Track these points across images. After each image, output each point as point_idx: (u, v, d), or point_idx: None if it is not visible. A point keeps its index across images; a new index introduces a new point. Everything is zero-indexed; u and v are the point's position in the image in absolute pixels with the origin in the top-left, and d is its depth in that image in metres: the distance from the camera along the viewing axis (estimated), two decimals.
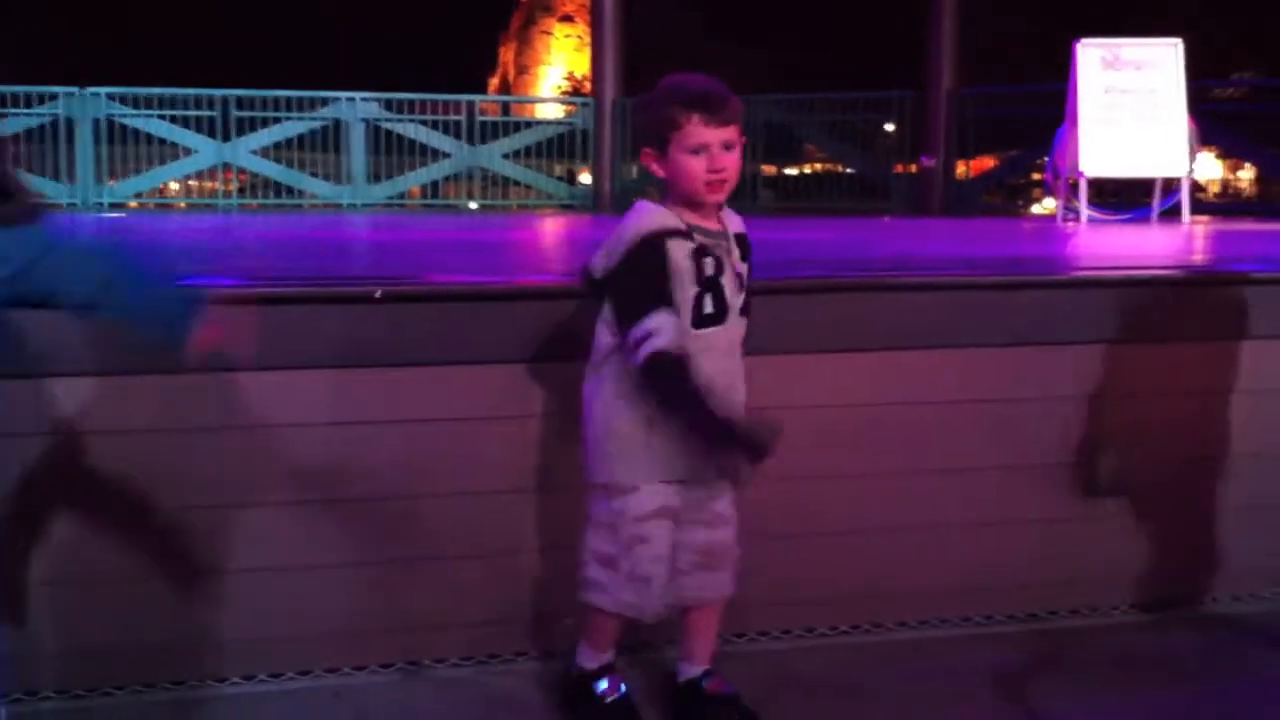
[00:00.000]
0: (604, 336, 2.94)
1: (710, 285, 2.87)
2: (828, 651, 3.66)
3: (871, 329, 3.76)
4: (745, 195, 14.98)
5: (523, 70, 44.50)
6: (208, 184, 15.70)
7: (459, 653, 3.53)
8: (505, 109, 17.82)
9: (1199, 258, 6.41)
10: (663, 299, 2.80)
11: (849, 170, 16.34)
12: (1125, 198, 12.05)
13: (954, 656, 3.63)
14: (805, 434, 3.49)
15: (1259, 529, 4.08)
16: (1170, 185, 10.54)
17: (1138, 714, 3.26)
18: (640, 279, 2.83)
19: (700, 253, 2.86)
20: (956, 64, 14.13)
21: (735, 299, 2.93)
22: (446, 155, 15.43)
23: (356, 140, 14.89)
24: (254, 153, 14.98)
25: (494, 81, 43.16)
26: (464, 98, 15.71)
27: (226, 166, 15.10)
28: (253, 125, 14.84)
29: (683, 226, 2.85)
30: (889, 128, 15.54)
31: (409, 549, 3.48)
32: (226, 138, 14.72)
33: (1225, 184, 18.59)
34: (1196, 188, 13.17)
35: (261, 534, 3.37)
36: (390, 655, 3.49)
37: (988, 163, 16.25)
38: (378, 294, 3.43)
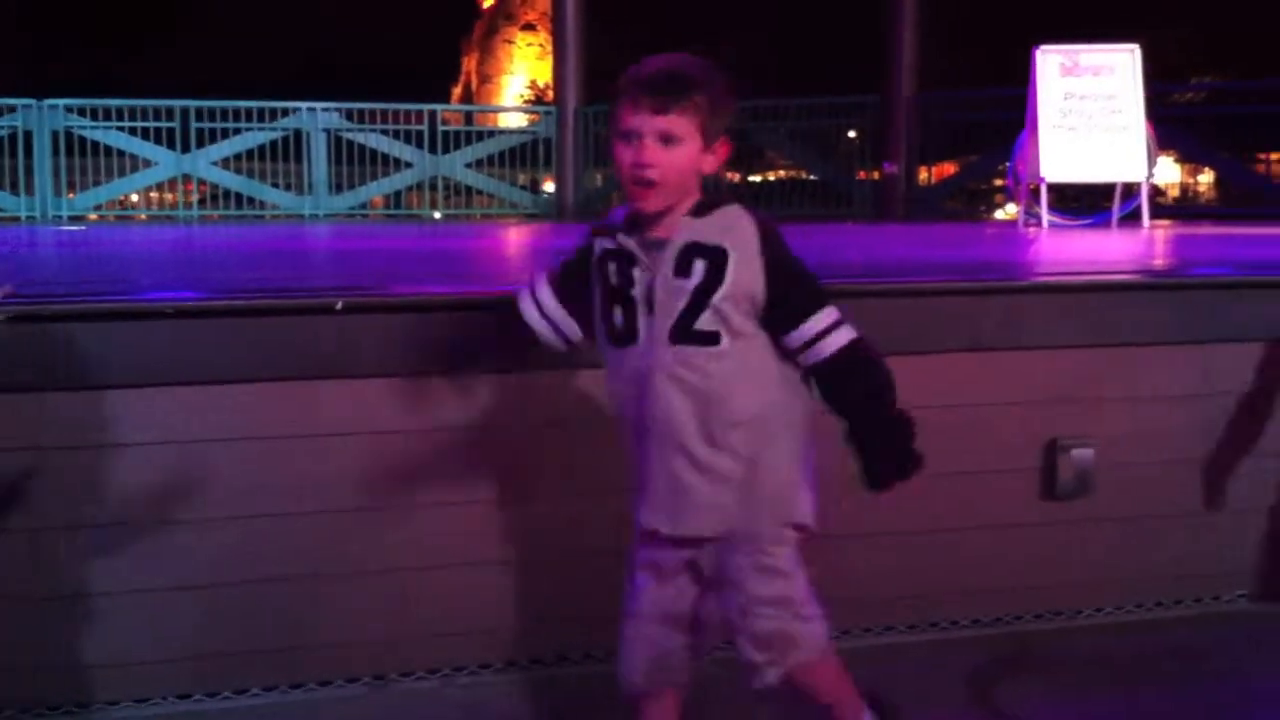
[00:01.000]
0: None
1: (615, 296, 2.45)
2: None
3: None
4: None
5: (485, 79, 44.40)
6: (168, 196, 15.60)
7: (425, 665, 3.51)
8: (468, 118, 17.78)
9: (1159, 262, 6.45)
10: (550, 276, 2.65)
11: (812, 177, 16.38)
12: (1086, 203, 12.12)
13: (924, 661, 3.63)
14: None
15: (1226, 532, 4.10)
16: (1130, 190, 10.61)
17: (1109, 717, 3.27)
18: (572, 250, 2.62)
19: (609, 255, 2.46)
20: (917, 70, 14.19)
21: (656, 320, 2.41)
22: (409, 165, 15.39)
23: (317, 150, 14.82)
24: (214, 164, 14.89)
25: (457, 90, 43.05)
26: (426, 107, 15.66)
27: (186, 178, 15.02)
28: (213, 136, 14.75)
29: (618, 225, 2.47)
30: (851, 134, 15.59)
31: (362, 563, 3.45)
32: (186, 149, 14.62)
33: (1185, 188, 18.72)
34: (1156, 192, 13.26)
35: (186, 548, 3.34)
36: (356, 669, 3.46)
37: (950, 168, 16.31)
38: (339, 305, 3.40)
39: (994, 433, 3.90)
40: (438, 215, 15.62)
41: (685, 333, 2.39)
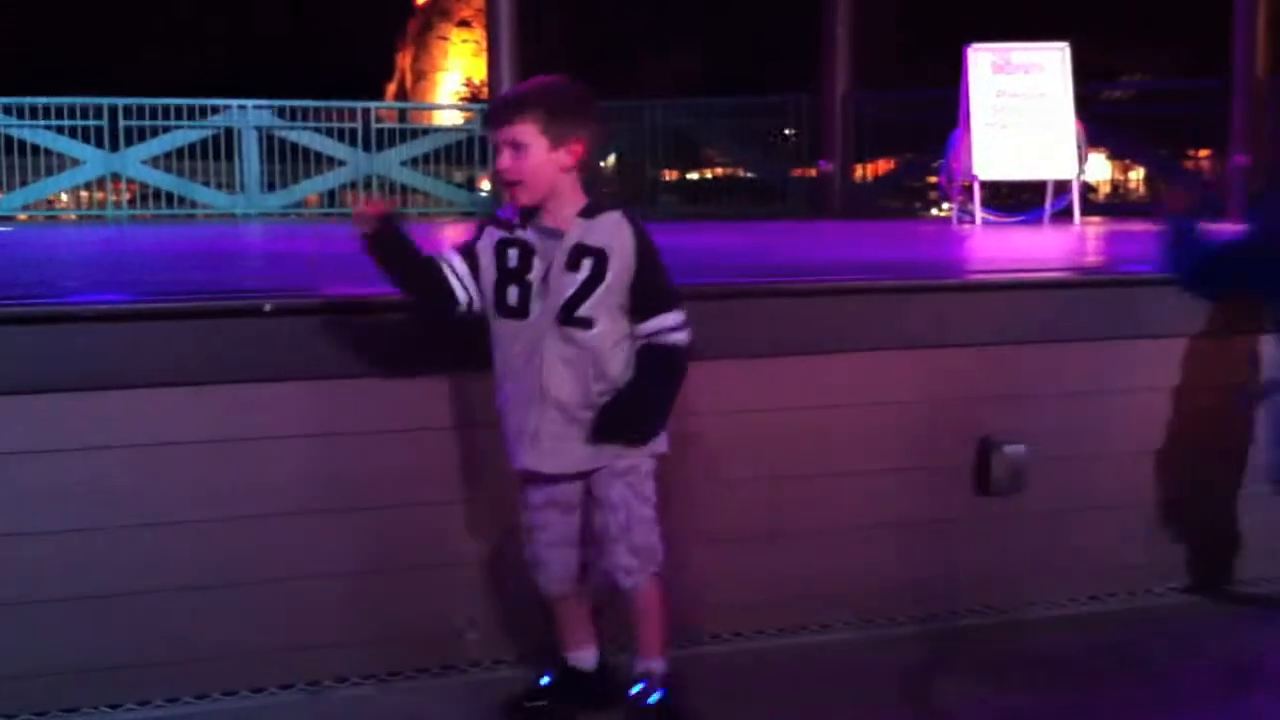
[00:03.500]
0: None
1: (511, 277, 2.99)
2: (732, 657, 3.65)
3: (767, 334, 3.76)
4: (645, 200, 14.99)
5: (420, 76, 44.11)
6: (98, 195, 15.34)
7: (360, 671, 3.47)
8: (402, 115, 17.65)
9: (1088, 259, 6.51)
10: (455, 249, 3.08)
11: (749, 174, 16.40)
12: (1019, 200, 12.23)
13: (861, 657, 3.65)
14: (709, 440, 3.49)
15: (1163, 525, 4.15)
16: (1062, 187, 10.71)
17: (1041, 712, 3.28)
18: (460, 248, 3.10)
19: (505, 244, 3.01)
20: (851, 68, 14.25)
21: (546, 302, 2.95)
22: (342, 163, 15.23)
23: (249, 148, 14.63)
24: (144, 162, 14.66)
25: (391, 88, 42.73)
26: (360, 104, 15.53)
27: (116, 177, 14.78)
28: (142, 134, 14.53)
29: (513, 220, 3.01)
30: (788, 132, 15.64)
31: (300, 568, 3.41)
32: (115, 147, 14.40)
33: (1116, 185, 18.94)
34: (1087, 189, 13.40)
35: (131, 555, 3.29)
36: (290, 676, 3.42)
37: (885, 166, 16.40)
38: (267, 307, 3.37)
39: (926, 430, 3.92)
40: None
41: (569, 316, 2.94)
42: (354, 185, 15.58)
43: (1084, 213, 10.79)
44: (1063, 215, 10.63)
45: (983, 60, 10.54)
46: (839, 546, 3.85)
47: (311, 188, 15.54)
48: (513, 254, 2.99)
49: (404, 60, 44.38)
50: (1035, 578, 4.06)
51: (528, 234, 2.98)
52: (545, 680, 3.26)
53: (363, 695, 3.41)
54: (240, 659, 3.39)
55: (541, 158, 2.92)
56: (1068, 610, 4.05)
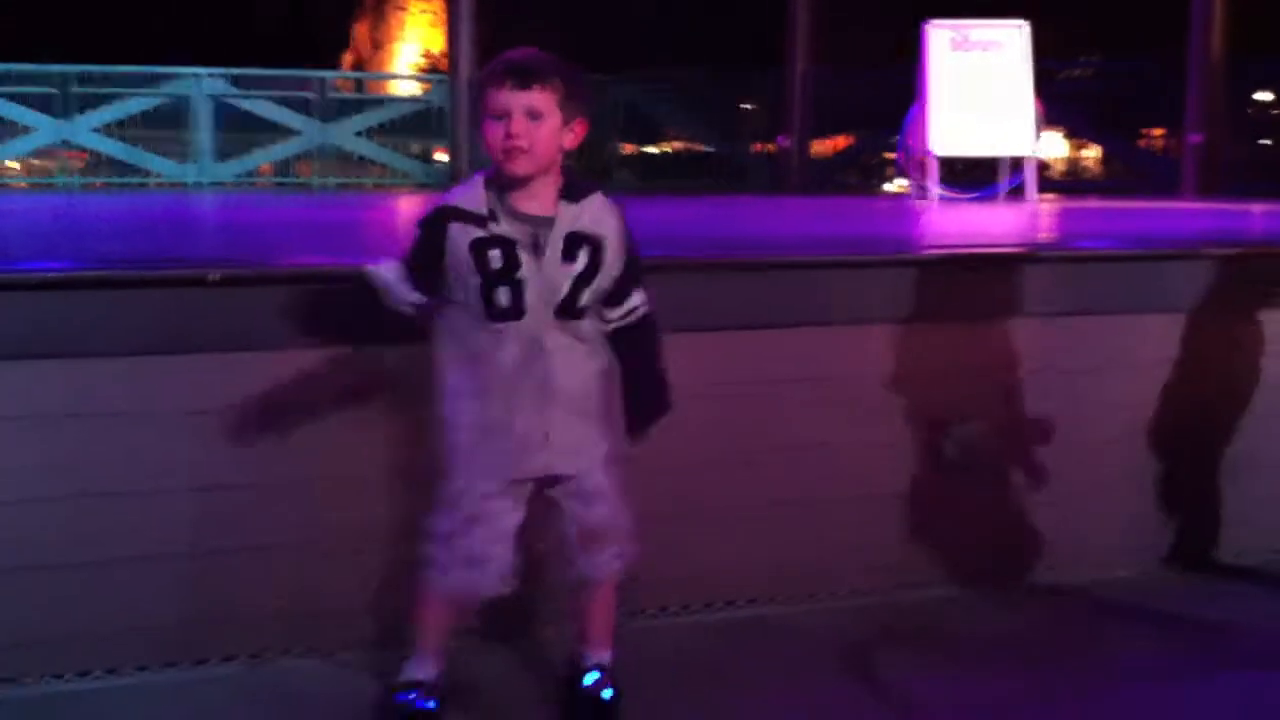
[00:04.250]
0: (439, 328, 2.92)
1: (499, 278, 2.74)
2: (678, 631, 3.64)
3: (717, 308, 3.74)
4: (602, 174, 14.95)
5: (377, 46, 43.77)
6: (49, 163, 15.16)
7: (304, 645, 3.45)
8: (359, 85, 17.50)
9: (1041, 236, 6.53)
10: (410, 257, 2.84)
11: (707, 149, 16.39)
12: (974, 176, 12.28)
13: (801, 633, 3.65)
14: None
15: (1115, 502, 4.16)
16: (1017, 164, 10.76)
17: (985, 687, 3.30)
18: (417, 235, 2.84)
19: (483, 243, 2.74)
20: (811, 44, 14.25)
21: (544, 296, 2.77)
22: (297, 133, 15.11)
23: (203, 117, 14.49)
24: (95, 130, 14.50)
25: (348, 58, 42.39)
26: (315, 74, 15.40)
27: (67, 145, 14.60)
28: (94, 102, 14.35)
29: (481, 211, 2.76)
30: (747, 107, 15.63)
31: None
32: (67, 115, 14.22)
33: (1071, 163, 19.05)
34: (1043, 167, 13.46)
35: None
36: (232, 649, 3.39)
37: (843, 142, 16.43)
38: (214, 277, 3.32)
39: (877, 406, 3.92)
40: (327, 184, 15.37)
41: (571, 309, 2.81)
42: (308, 155, 15.46)
43: (1039, 190, 10.85)
44: (1018, 193, 10.68)
45: (941, 37, 10.56)
46: (782, 520, 3.84)
47: (265, 157, 15.41)
48: (495, 255, 2.73)
49: (361, 30, 44.02)
50: (984, 555, 4.06)
51: (504, 227, 2.75)
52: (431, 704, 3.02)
53: (301, 668, 3.38)
54: (180, 631, 3.35)
55: (554, 130, 2.74)
56: (1016, 587, 4.06)
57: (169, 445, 3.30)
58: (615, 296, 2.88)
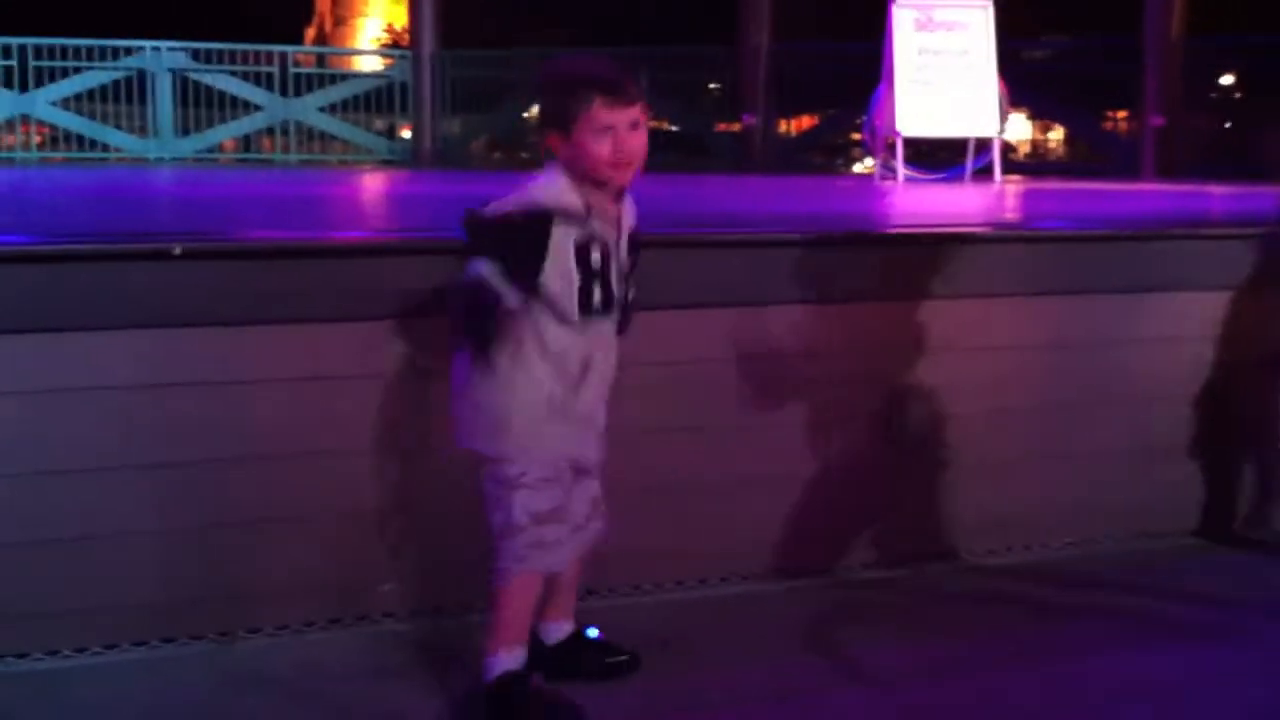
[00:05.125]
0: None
1: (595, 278, 2.84)
2: (642, 610, 3.65)
3: (679, 286, 3.74)
4: None
5: (340, 21, 43.48)
6: (7, 138, 14.97)
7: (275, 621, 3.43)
8: (321, 60, 17.37)
9: (1006, 216, 6.57)
10: (511, 259, 2.78)
11: (672, 128, 16.37)
12: (940, 157, 12.31)
13: (769, 609, 3.66)
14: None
15: (1064, 478, 4.20)
16: (983, 145, 10.79)
17: (943, 660, 3.32)
18: (514, 237, 2.80)
19: (589, 245, 2.83)
20: (773, 21, 14.23)
21: (619, 290, 2.92)
22: (258, 108, 14.98)
23: (163, 91, 14.34)
24: (54, 104, 14.33)
25: (310, 32, 42.06)
26: (277, 48, 15.26)
27: (25, 119, 14.42)
28: (52, 75, 14.18)
29: (581, 209, 2.82)
30: (712, 86, 15.61)
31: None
32: (25, 89, 14.04)
33: (1035, 144, 19.16)
34: (1008, 148, 13.52)
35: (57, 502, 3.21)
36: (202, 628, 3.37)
37: (808, 121, 16.44)
38: (177, 250, 3.29)
39: (836, 382, 3.93)
40: (290, 159, 15.25)
41: (624, 302, 2.97)
42: (270, 131, 15.34)
43: (1004, 171, 10.89)
44: (983, 173, 10.72)
45: (906, 17, 10.56)
46: (743, 496, 3.84)
47: (226, 132, 15.29)
48: (596, 256, 2.85)
49: (323, 4, 43.66)
50: (941, 528, 4.09)
51: (597, 227, 2.86)
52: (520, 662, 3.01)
53: (273, 645, 3.36)
54: (150, 608, 3.33)
55: (646, 136, 2.88)
56: (972, 560, 4.09)
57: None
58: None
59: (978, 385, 4.08)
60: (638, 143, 2.84)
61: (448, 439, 3.02)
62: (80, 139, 14.50)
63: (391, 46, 32.71)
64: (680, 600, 3.73)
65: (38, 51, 14.07)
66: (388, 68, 16.37)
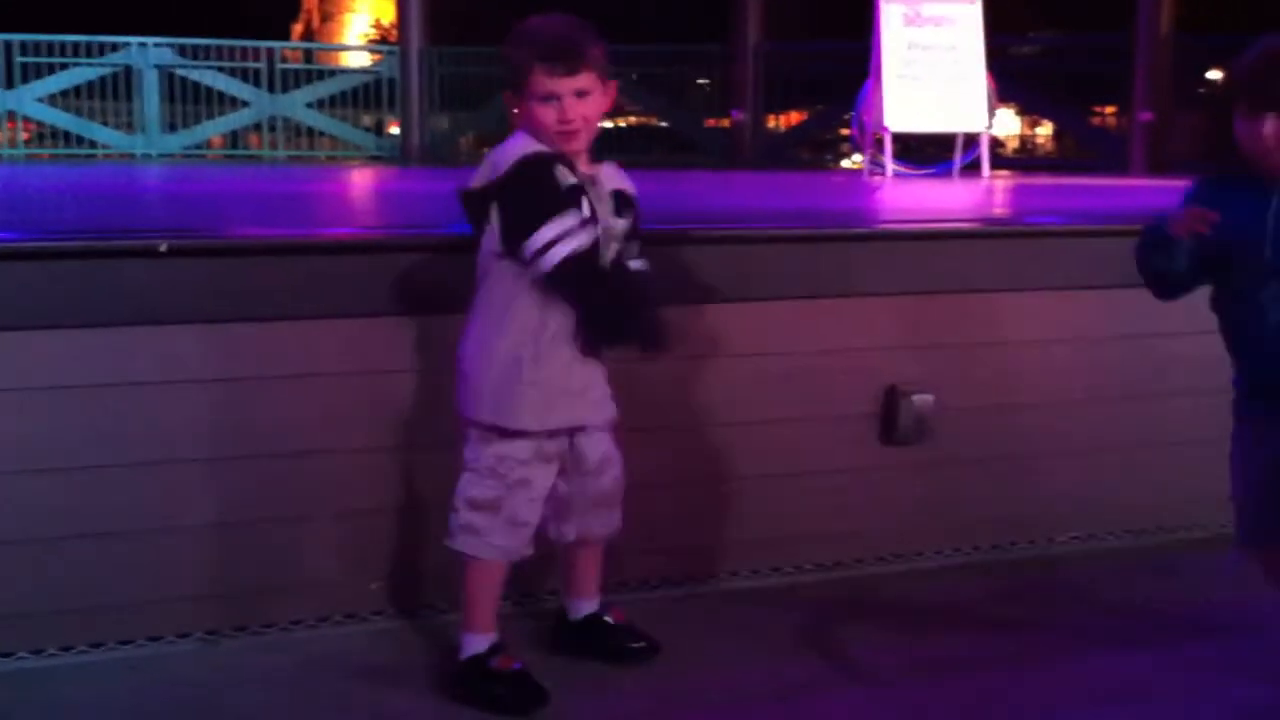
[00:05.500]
0: (485, 266, 2.91)
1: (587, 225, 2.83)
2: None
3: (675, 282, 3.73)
4: None
5: (328, 17, 43.35)
6: None
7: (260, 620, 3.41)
8: (308, 56, 17.31)
9: (996, 211, 6.56)
10: (556, 206, 2.78)
11: (662, 124, 16.34)
12: (928, 152, 12.30)
13: (768, 606, 3.65)
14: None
15: (1068, 473, 4.19)
16: (971, 141, 10.78)
17: (944, 660, 3.31)
18: (529, 191, 2.80)
19: (577, 190, 2.83)
20: (763, 18, 14.21)
21: (607, 250, 2.88)
22: (245, 104, 14.92)
23: (150, 88, 14.28)
24: (40, 101, 14.27)
25: (298, 28, 41.93)
26: (264, 44, 15.20)
27: (11, 115, 14.35)
28: (39, 72, 14.12)
29: (566, 157, 2.84)
30: (701, 81, 15.58)
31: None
32: (11, 85, 13.97)
33: (1024, 139, 19.14)
34: (996, 143, 13.51)
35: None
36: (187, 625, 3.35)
37: (797, 117, 16.42)
38: (163, 248, 3.27)
39: (834, 379, 3.92)
40: (279, 156, 15.20)
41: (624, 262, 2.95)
42: (258, 126, 15.29)
43: (992, 167, 10.89)
44: (972, 169, 10.71)
45: (894, 12, 10.54)
46: (741, 493, 3.84)
47: (214, 129, 15.23)
48: (585, 203, 2.85)
49: (311, 0, 43.56)
50: (940, 526, 4.08)
51: (577, 179, 2.87)
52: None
53: (260, 644, 3.35)
54: (138, 607, 3.31)
55: (598, 101, 2.87)
56: (972, 558, 4.09)
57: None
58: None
59: (976, 382, 4.08)
60: (584, 110, 2.82)
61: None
62: (67, 135, 14.45)
63: (379, 42, 32.62)
64: (674, 597, 3.73)
65: (24, 48, 14.01)
66: (376, 64, 16.33)
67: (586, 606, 3.24)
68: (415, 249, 3.51)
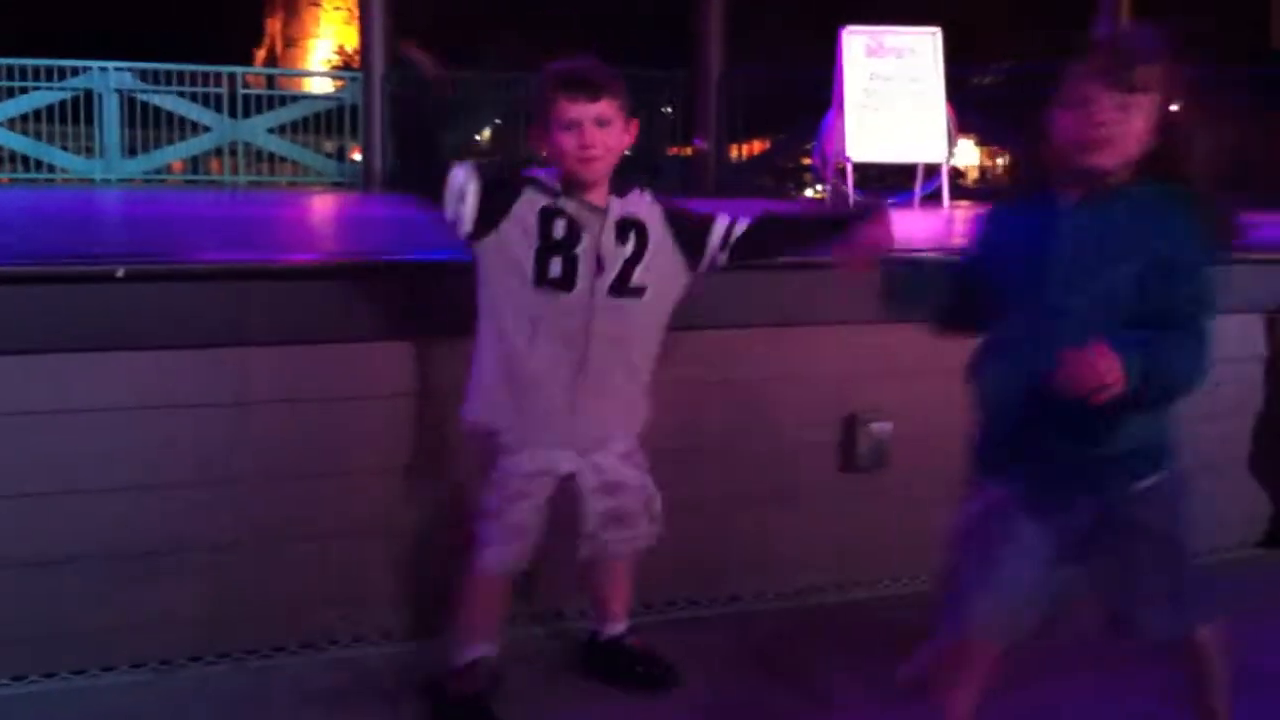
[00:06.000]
0: (479, 281, 3.05)
1: (557, 248, 2.96)
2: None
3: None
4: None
5: (291, 43, 43.26)
6: None
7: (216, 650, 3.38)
8: (270, 81, 17.26)
9: (954, 240, 6.59)
10: (484, 177, 2.96)
11: (625, 152, 16.38)
12: (889, 182, 12.36)
13: (725, 634, 3.65)
14: None
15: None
16: (932, 171, 10.85)
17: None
18: (491, 182, 2.99)
19: (551, 213, 2.97)
20: (726, 46, 14.28)
21: (596, 278, 2.98)
22: (207, 129, 14.85)
23: (109, 112, 14.18)
24: None
25: (260, 54, 41.84)
26: (226, 69, 15.14)
27: None
28: None
29: (555, 187, 3.00)
30: (665, 110, 15.62)
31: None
32: None
33: (984, 169, 19.30)
34: (956, 173, 13.61)
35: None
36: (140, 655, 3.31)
37: (759, 145, 16.49)
38: (120, 273, 3.25)
39: (794, 406, 3.93)
40: (240, 181, 15.13)
41: (623, 287, 3.03)
42: (219, 151, 15.21)
43: (953, 196, 10.96)
44: (932, 198, 10.78)
45: (856, 43, 10.62)
46: (693, 521, 3.83)
47: (174, 154, 15.13)
48: (559, 225, 2.98)
49: (273, 26, 43.47)
50: (899, 554, 4.09)
51: (569, 206, 3.00)
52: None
53: (213, 674, 3.31)
54: (91, 636, 3.27)
55: (619, 133, 3.02)
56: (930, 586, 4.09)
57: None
58: (701, 234, 3.17)
59: (935, 409, 4.08)
60: (605, 138, 2.96)
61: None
62: (25, 160, 14.32)
63: (342, 68, 32.59)
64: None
65: None
66: (338, 89, 16.29)
67: (608, 628, 3.33)
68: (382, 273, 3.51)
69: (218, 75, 14.92)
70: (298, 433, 3.40)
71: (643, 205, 3.11)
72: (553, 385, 2.99)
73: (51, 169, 14.37)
